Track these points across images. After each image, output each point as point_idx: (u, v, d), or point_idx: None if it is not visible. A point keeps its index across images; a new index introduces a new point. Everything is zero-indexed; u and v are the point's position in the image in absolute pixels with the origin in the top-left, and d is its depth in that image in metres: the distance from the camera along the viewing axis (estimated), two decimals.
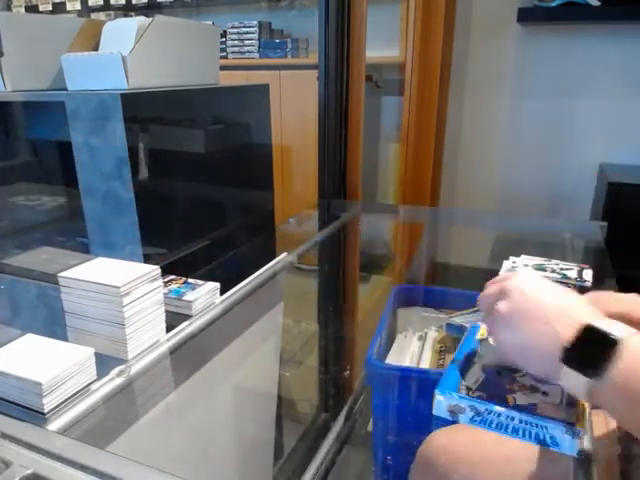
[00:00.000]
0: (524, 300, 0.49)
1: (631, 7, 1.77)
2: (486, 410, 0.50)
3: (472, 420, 0.50)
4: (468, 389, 0.52)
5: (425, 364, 0.94)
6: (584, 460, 0.49)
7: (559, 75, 2.06)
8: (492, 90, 2.19)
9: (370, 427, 1.01)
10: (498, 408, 0.49)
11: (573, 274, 0.98)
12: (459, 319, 0.96)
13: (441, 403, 0.52)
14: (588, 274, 0.98)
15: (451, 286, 1.67)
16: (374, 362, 0.81)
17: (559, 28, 2.01)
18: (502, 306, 0.50)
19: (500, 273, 0.99)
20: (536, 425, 0.47)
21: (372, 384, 0.83)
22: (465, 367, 0.57)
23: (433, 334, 1.03)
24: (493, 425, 0.49)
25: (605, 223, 1.38)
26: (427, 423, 0.73)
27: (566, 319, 0.46)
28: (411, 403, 0.79)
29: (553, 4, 1.87)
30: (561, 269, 1.00)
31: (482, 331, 0.66)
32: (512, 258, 1.04)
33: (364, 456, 1.08)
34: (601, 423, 0.57)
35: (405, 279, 1.47)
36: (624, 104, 2.00)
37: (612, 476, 0.55)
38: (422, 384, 0.79)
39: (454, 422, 0.53)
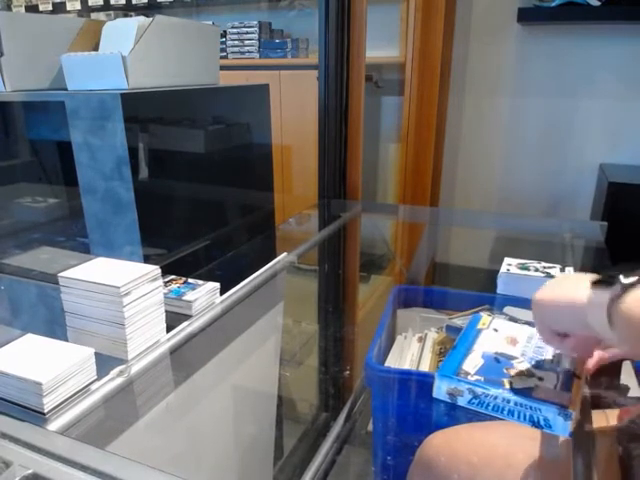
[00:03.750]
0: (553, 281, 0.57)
1: (631, 7, 1.77)
2: (483, 393, 0.52)
3: (470, 402, 0.53)
4: (467, 373, 0.54)
5: (425, 366, 0.94)
6: (583, 456, 0.50)
7: (559, 75, 2.06)
8: (492, 90, 2.19)
9: (370, 427, 1.01)
10: (494, 391, 0.51)
11: (556, 272, 0.98)
12: (459, 320, 0.95)
13: (441, 385, 0.54)
14: (570, 272, 0.99)
15: (451, 286, 1.67)
16: (373, 365, 0.81)
17: (559, 28, 2.01)
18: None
19: (500, 272, 0.99)
20: (530, 407, 0.49)
21: (372, 386, 0.83)
22: (465, 353, 0.59)
23: (433, 335, 1.03)
24: (490, 407, 0.52)
25: (605, 223, 1.38)
26: (427, 424, 0.73)
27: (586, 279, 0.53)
28: (411, 405, 0.79)
29: (553, 4, 1.87)
30: (544, 267, 1.01)
31: (483, 320, 0.68)
32: (507, 259, 1.05)
33: (364, 456, 1.08)
34: (602, 423, 0.57)
35: (405, 279, 1.47)
36: (624, 104, 2.00)
37: (612, 476, 0.55)
38: (422, 386, 0.79)
39: (453, 410, 0.55)
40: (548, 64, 2.07)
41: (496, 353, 0.59)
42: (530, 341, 0.62)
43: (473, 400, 0.52)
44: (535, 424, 0.50)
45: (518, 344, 0.61)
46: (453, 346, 0.61)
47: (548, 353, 0.59)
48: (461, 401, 0.53)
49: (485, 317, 0.68)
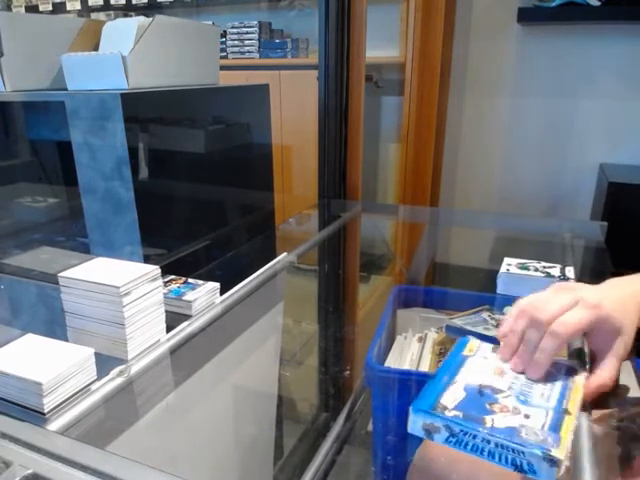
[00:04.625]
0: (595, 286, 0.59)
1: (631, 7, 1.77)
2: (461, 431, 0.47)
3: (447, 440, 0.48)
4: (444, 408, 0.49)
5: (425, 366, 0.94)
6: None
7: (559, 75, 2.06)
8: (492, 90, 2.19)
9: (370, 427, 1.01)
10: (473, 430, 0.46)
11: (556, 272, 0.98)
12: (459, 321, 0.95)
13: (416, 420, 0.49)
14: (571, 272, 0.98)
15: (451, 286, 1.67)
16: (373, 365, 0.81)
17: (559, 28, 2.01)
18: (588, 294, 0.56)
19: (500, 272, 0.99)
20: (512, 450, 0.44)
21: (372, 386, 0.83)
22: (446, 384, 0.54)
23: (433, 335, 1.03)
24: (469, 447, 0.47)
25: (605, 223, 1.38)
26: None
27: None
28: (411, 405, 0.80)
29: (553, 4, 1.87)
30: (544, 267, 1.01)
31: (470, 346, 0.62)
32: (507, 259, 1.05)
33: (364, 456, 1.08)
34: (601, 423, 0.57)
35: (405, 279, 1.47)
36: (624, 104, 2.00)
37: (612, 477, 0.55)
38: (421, 387, 0.79)
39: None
40: (548, 64, 2.07)
41: (480, 385, 0.54)
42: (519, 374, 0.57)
43: (450, 438, 0.47)
44: (518, 468, 0.44)
45: (506, 376, 0.56)
46: (433, 375, 0.56)
47: (538, 388, 0.54)
48: (437, 438, 0.48)
49: (472, 342, 0.63)
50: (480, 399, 0.51)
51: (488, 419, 0.48)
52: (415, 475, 0.70)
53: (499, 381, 0.55)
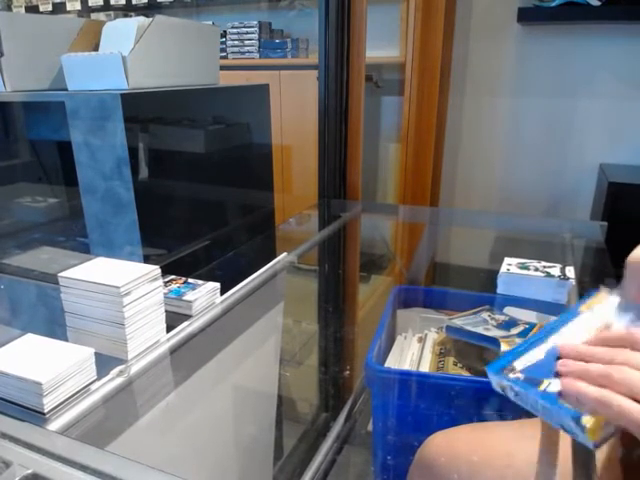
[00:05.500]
0: None
1: (631, 7, 1.77)
2: (519, 392, 0.50)
3: (515, 397, 0.51)
4: (512, 369, 0.51)
5: (425, 366, 0.94)
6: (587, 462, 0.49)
7: (559, 75, 2.06)
8: (492, 90, 2.19)
9: (370, 427, 1.01)
10: (526, 391, 0.49)
11: (556, 272, 0.98)
12: (459, 321, 0.95)
13: (492, 379, 0.52)
14: (571, 271, 0.98)
15: (451, 286, 1.67)
16: (373, 365, 0.81)
17: (559, 28, 2.01)
18: None
19: (500, 272, 0.99)
20: (554, 413, 0.47)
21: (372, 386, 0.83)
22: (535, 343, 0.53)
23: (433, 335, 1.03)
24: (529, 406, 0.50)
25: (605, 223, 1.38)
26: (427, 424, 0.73)
27: None
28: (411, 405, 0.79)
29: (553, 4, 1.87)
30: (544, 267, 1.01)
31: (594, 300, 0.55)
32: (507, 259, 1.05)
33: (364, 456, 1.08)
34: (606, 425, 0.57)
35: (405, 279, 1.47)
36: (624, 104, 2.00)
37: (613, 478, 0.55)
38: (422, 387, 0.79)
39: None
40: (548, 64, 2.07)
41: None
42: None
43: (516, 397, 0.51)
44: (564, 429, 0.47)
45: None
46: (536, 333, 0.55)
47: None
48: (510, 395, 0.51)
49: (599, 296, 0.55)
50: (554, 362, 0.51)
51: (545, 382, 0.49)
52: (416, 474, 0.70)
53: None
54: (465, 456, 0.64)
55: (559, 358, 0.50)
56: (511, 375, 0.50)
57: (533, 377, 0.50)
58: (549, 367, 0.50)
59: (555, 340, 0.52)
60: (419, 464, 0.70)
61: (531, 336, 0.54)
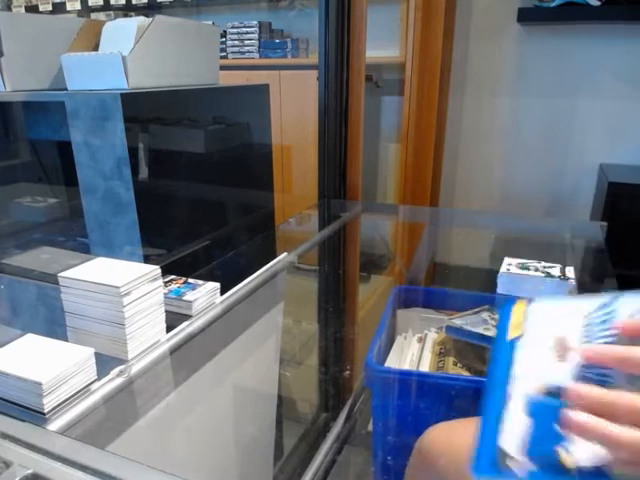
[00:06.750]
0: None
1: (631, 7, 1.77)
2: None
3: None
4: (510, 459, 0.35)
5: (425, 366, 0.94)
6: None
7: (559, 75, 2.06)
8: (492, 90, 2.19)
9: (370, 427, 1.01)
10: None
11: (556, 272, 0.98)
12: (459, 321, 0.96)
13: None
14: (571, 271, 0.98)
15: (451, 286, 1.67)
16: (373, 365, 0.82)
17: (559, 28, 2.01)
18: None
19: (500, 272, 0.99)
20: None
21: (371, 387, 0.83)
22: (500, 409, 0.37)
23: (433, 335, 1.03)
24: None
25: (605, 223, 1.38)
26: (427, 424, 0.73)
27: None
28: (411, 405, 0.80)
29: (553, 4, 1.87)
30: (544, 267, 1.01)
31: (517, 317, 0.42)
32: (507, 259, 1.05)
33: (364, 456, 1.08)
34: None
35: (405, 279, 1.47)
36: (624, 104, 2.00)
37: None
38: (421, 387, 0.79)
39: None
40: (548, 64, 2.07)
41: (544, 390, 0.36)
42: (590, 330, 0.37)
43: None
44: None
45: (571, 353, 0.37)
46: (483, 402, 0.39)
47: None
48: None
49: (518, 306, 0.43)
50: (548, 414, 0.35)
51: (568, 459, 0.33)
52: (415, 465, 0.70)
53: (562, 367, 0.37)
54: (464, 447, 0.64)
55: (545, 408, 0.36)
56: (515, 467, 0.34)
57: (544, 455, 0.34)
58: (548, 427, 0.35)
59: (517, 390, 0.38)
60: (418, 455, 0.70)
61: (486, 402, 0.39)
